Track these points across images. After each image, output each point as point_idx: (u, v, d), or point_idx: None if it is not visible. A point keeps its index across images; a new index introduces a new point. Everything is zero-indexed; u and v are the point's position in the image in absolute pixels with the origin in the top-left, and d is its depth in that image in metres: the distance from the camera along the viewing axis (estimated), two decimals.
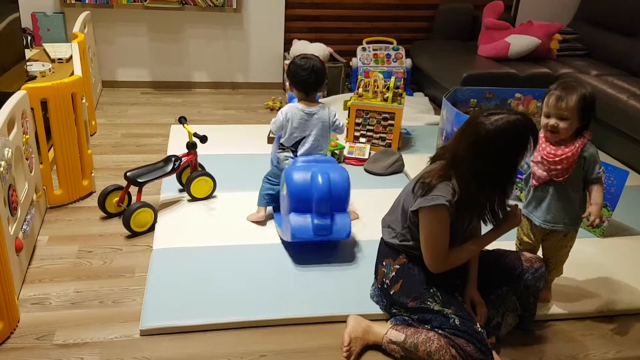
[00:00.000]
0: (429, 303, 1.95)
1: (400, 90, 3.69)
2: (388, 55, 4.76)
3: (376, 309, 2.16)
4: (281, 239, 2.58)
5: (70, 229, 2.61)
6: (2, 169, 1.99)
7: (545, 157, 2.01)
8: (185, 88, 4.73)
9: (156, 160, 2.83)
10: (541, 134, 2.04)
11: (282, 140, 2.69)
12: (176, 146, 3.39)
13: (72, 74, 2.86)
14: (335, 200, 2.39)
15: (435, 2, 4.95)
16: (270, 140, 3.43)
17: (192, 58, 4.66)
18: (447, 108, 3.32)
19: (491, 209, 1.94)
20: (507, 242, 2.22)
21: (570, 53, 4.64)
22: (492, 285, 2.05)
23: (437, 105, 4.52)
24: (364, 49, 4.75)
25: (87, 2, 4.20)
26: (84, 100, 2.76)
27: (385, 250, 2.12)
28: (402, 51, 4.78)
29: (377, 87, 3.61)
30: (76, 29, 3.58)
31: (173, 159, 2.81)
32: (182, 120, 2.92)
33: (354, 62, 4.73)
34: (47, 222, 2.64)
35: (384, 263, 2.11)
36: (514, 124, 1.76)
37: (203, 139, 2.81)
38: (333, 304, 2.19)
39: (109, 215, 2.72)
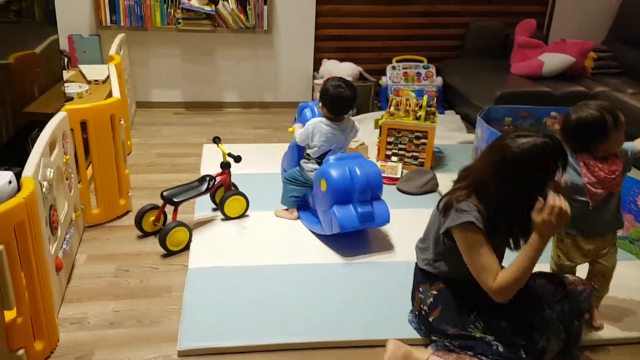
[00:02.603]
0: (470, 330, 1.89)
1: (432, 109, 3.67)
2: (418, 74, 4.75)
3: (415, 334, 2.11)
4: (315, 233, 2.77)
5: (107, 248, 2.63)
6: (44, 189, 2.02)
7: (607, 175, 1.96)
8: (216, 108, 4.77)
9: (190, 180, 2.86)
10: (587, 159, 1.98)
11: (309, 152, 2.86)
12: (209, 165, 3.42)
13: (109, 95, 2.90)
14: (373, 189, 2.61)
15: (466, 21, 4.94)
16: None
17: (223, 79, 4.71)
18: (481, 127, 3.28)
19: (514, 232, 1.87)
20: (543, 265, 2.16)
21: (605, 71, 4.57)
22: (535, 309, 1.99)
23: (468, 124, 4.48)
24: (393, 68, 4.75)
25: (122, 24, 4.29)
26: (121, 122, 2.80)
27: (421, 275, 2.08)
28: (433, 69, 4.77)
29: (409, 106, 3.59)
30: (112, 51, 3.66)
31: (208, 178, 2.83)
32: (216, 140, 2.94)
33: (384, 80, 4.74)
34: (85, 241, 2.67)
35: (421, 289, 2.06)
36: (541, 148, 1.72)
37: (237, 159, 2.82)
38: (371, 327, 2.15)
39: (145, 234, 2.74)
